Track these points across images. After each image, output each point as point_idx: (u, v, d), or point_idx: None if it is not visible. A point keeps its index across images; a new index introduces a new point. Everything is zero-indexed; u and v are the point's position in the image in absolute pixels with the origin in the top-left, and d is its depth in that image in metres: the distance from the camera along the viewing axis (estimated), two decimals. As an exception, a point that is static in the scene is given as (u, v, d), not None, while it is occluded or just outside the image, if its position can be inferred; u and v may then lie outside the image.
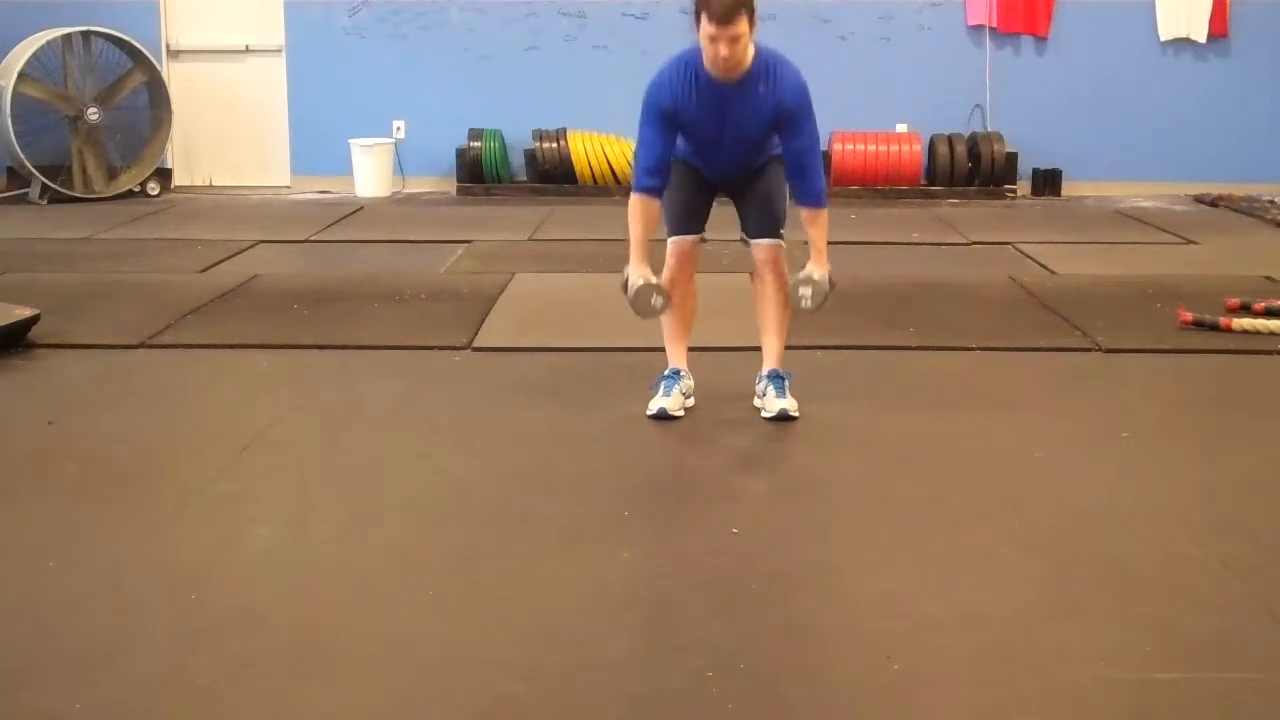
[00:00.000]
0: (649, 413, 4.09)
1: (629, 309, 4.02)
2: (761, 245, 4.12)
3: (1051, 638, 2.66)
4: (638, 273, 3.95)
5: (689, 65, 3.87)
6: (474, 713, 2.40)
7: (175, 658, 2.59)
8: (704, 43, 3.75)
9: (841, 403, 4.27)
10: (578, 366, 4.74)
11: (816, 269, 3.99)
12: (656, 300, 3.96)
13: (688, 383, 4.18)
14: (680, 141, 4.03)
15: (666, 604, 2.85)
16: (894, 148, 9.25)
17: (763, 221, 4.11)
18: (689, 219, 4.13)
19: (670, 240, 4.15)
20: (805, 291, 3.98)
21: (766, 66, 3.85)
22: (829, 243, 4.05)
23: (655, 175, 3.95)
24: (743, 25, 3.69)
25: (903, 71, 9.47)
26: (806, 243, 4.03)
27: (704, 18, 3.70)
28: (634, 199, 3.98)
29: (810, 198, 3.99)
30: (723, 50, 3.71)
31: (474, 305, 5.61)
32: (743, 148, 4.00)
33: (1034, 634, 2.69)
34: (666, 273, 4.17)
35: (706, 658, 2.56)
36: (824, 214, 4.02)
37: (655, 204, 3.99)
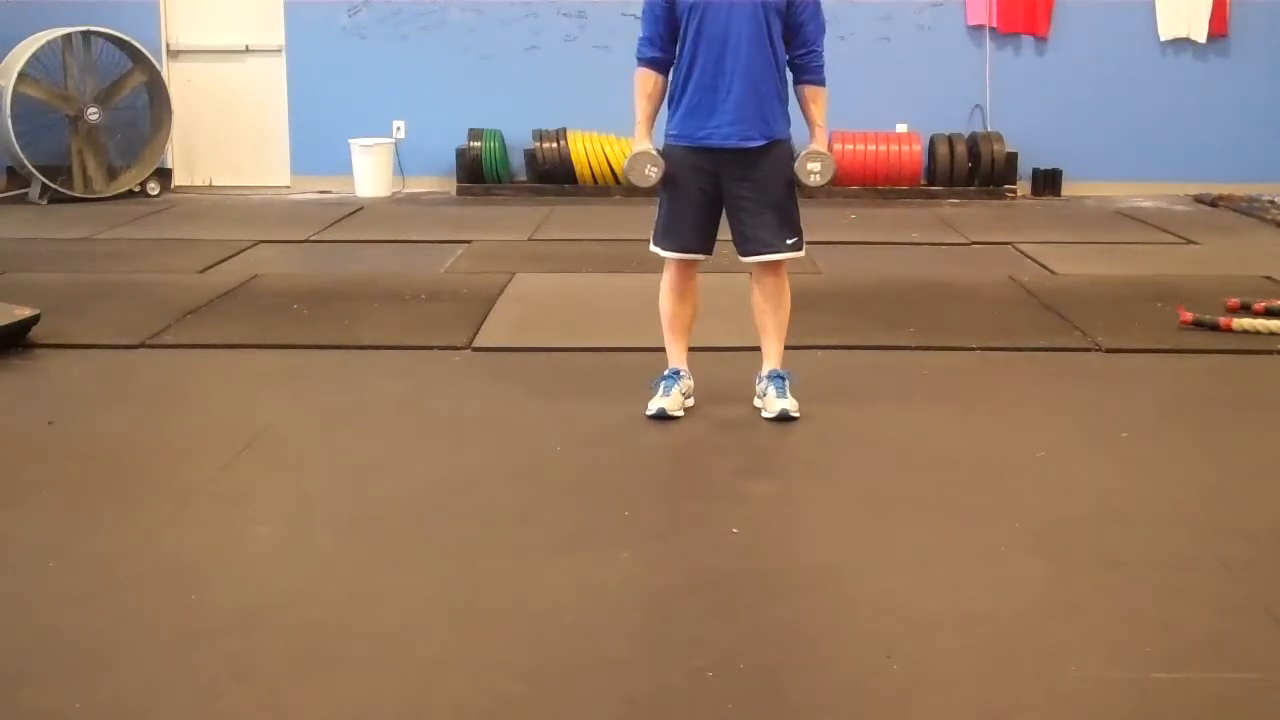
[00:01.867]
0: (648, 413, 4.08)
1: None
2: (762, 261, 4.08)
3: (1051, 638, 2.67)
4: (637, 145, 4.00)
5: None
6: (474, 713, 2.40)
7: (175, 658, 2.59)
8: None
9: (841, 403, 4.27)
10: (578, 366, 4.74)
11: (819, 145, 4.02)
12: (651, 170, 3.98)
13: (687, 383, 4.18)
14: (679, 104, 3.97)
15: (666, 604, 2.85)
16: (894, 148, 9.25)
17: (770, 226, 4.03)
18: (694, 239, 4.07)
19: (671, 255, 4.11)
20: (814, 166, 4.00)
21: None
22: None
23: (657, 46, 3.99)
24: None
25: (903, 71, 9.47)
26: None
27: None
28: (638, 72, 4.02)
29: (812, 73, 4.04)
30: None
31: (474, 305, 5.61)
32: (746, 32, 3.89)
33: (1034, 634, 2.69)
34: (667, 275, 4.17)
35: (706, 658, 2.56)
36: (824, 91, 4.07)
37: (658, 77, 4.02)
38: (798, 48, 4.02)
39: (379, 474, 3.67)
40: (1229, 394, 4.52)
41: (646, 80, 4.02)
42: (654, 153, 4.00)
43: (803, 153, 4.01)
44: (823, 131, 4.06)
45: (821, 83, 4.05)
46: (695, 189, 4.05)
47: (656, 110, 4.06)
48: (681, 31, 3.97)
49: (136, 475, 3.65)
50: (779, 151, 4.01)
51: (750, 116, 3.95)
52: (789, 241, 4.07)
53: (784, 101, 4.03)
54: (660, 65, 4.02)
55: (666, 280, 4.17)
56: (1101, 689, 2.46)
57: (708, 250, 4.13)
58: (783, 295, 4.15)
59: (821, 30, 4.04)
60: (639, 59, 4.03)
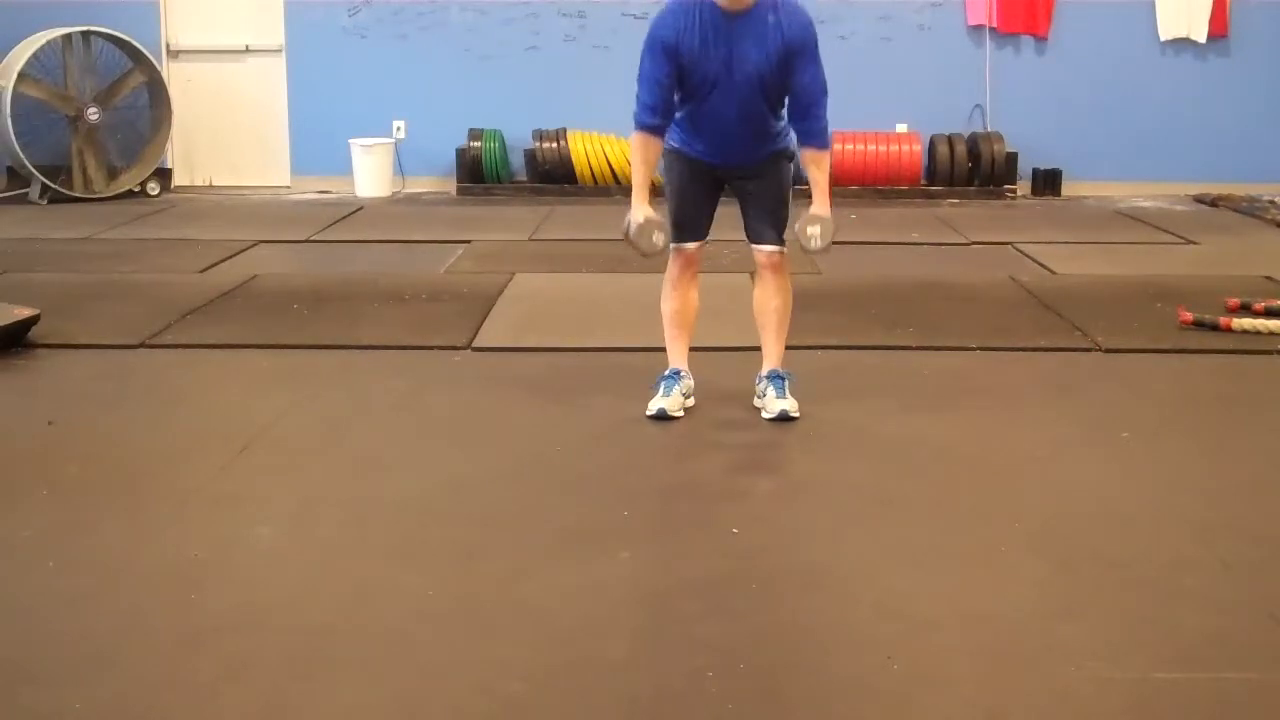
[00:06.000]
0: (649, 413, 4.09)
1: (631, 250, 3.97)
2: (764, 250, 4.11)
3: (1051, 638, 2.66)
4: (639, 211, 3.93)
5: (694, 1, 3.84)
6: (474, 713, 2.40)
7: (175, 658, 2.59)
8: None
9: (841, 403, 4.27)
10: (578, 366, 4.74)
11: (821, 209, 3.97)
12: (657, 237, 3.94)
13: (688, 383, 4.18)
14: (680, 127, 3.98)
15: (666, 604, 2.85)
16: (894, 148, 9.25)
17: (767, 226, 4.08)
18: (692, 225, 4.10)
19: (672, 246, 4.12)
20: (814, 230, 3.94)
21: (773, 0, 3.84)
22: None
23: (657, 112, 3.91)
24: None
25: (903, 71, 9.47)
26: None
27: None
28: (635, 136, 3.95)
29: (814, 138, 3.96)
30: None
31: (474, 305, 5.61)
32: (748, 104, 3.89)
33: (1034, 634, 2.69)
34: (668, 275, 4.17)
35: (706, 658, 2.56)
36: (828, 155, 4.01)
37: (657, 142, 3.95)
38: (800, 115, 3.94)
39: (379, 474, 3.67)
40: (1229, 394, 4.52)
41: (648, 146, 3.94)
42: (658, 218, 3.95)
43: (803, 216, 3.97)
44: (825, 196, 3.98)
45: (824, 147, 3.98)
46: (697, 186, 4.08)
47: (654, 171, 3.99)
48: (680, 93, 3.94)
49: (136, 475, 3.65)
50: (780, 158, 4.04)
51: (750, 150, 4.00)
52: (783, 238, 4.11)
53: (783, 126, 4.00)
54: (660, 131, 3.94)
55: (669, 277, 4.17)
56: (1101, 689, 2.46)
57: (706, 234, 4.15)
58: (784, 294, 4.15)
59: (823, 92, 3.91)
60: (639, 125, 3.92)
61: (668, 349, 4.23)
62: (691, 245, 4.12)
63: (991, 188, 9.25)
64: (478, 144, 9.31)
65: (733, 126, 3.95)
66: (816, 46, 3.88)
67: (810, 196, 4.00)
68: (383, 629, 2.71)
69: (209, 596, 2.87)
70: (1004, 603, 2.84)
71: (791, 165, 4.07)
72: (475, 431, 4.06)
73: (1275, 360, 4.84)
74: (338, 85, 9.56)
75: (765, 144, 4.01)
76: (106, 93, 9.03)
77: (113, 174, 9.18)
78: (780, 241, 4.11)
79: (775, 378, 4.14)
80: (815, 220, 3.95)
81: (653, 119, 3.90)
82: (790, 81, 3.89)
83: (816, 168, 3.98)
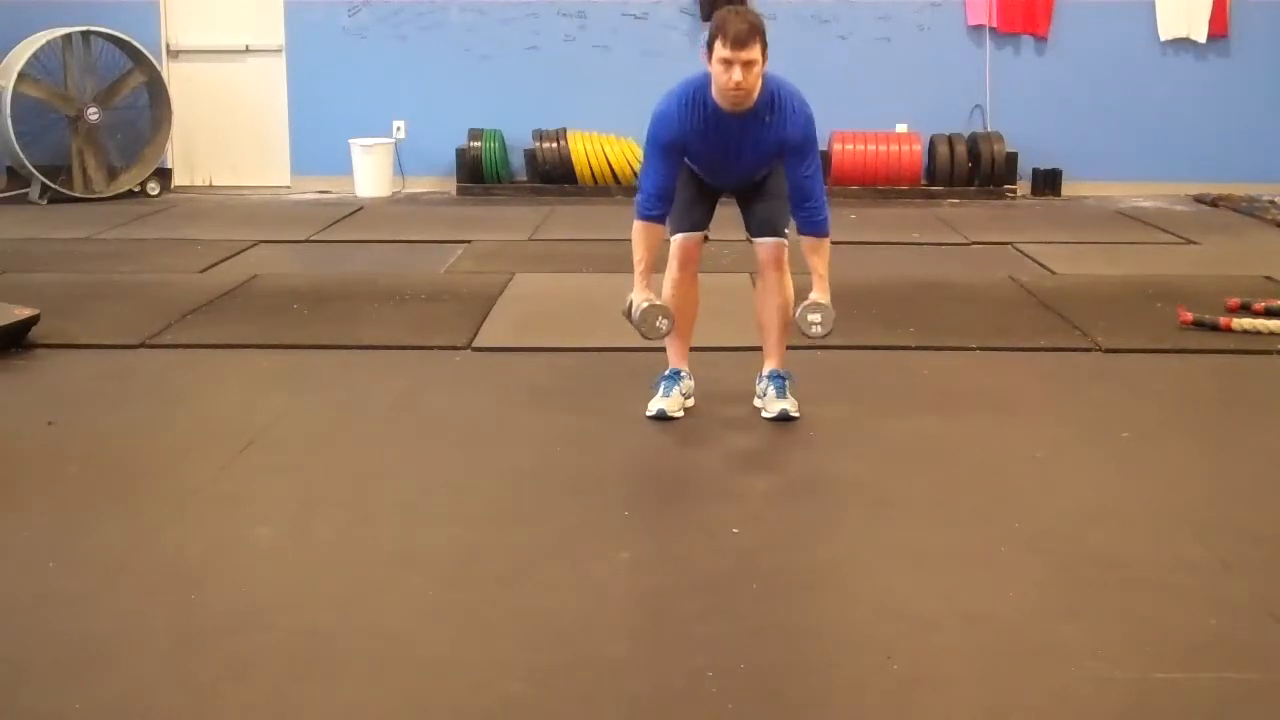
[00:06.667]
0: (648, 413, 4.09)
1: (634, 332, 3.99)
2: (765, 244, 4.11)
3: (1051, 638, 2.67)
4: (642, 296, 3.94)
5: (696, 94, 3.84)
6: (475, 713, 2.40)
7: (175, 658, 2.59)
8: (716, 69, 3.72)
9: (841, 403, 4.27)
10: (578, 366, 4.74)
11: (821, 296, 3.97)
12: (662, 322, 3.95)
13: (688, 383, 4.18)
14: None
15: (666, 604, 2.85)
16: (894, 148, 9.25)
17: (766, 220, 4.10)
18: (693, 216, 4.11)
19: (673, 238, 4.14)
20: (815, 318, 3.96)
21: (773, 97, 3.83)
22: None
23: (659, 203, 3.94)
24: (757, 51, 3.68)
25: (903, 71, 9.47)
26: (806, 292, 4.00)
27: (718, 43, 3.68)
28: (637, 225, 3.96)
29: (813, 227, 3.97)
30: (736, 76, 3.68)
31: (474, 305, 5.61)
32: (745, 170, 4.01)
33: (1034, 634, 2.69)
34: (669, 272, 4.17)
35: (706, 658, 2.56)
36: (826, 243, 4.00)
37: (658, 230, 3.98)
38: (799, 203, 3.96)
39: (379, 474, 3.67)
40: (1229, 394, 4.52)
41: (651, 233, 3.95)
42: (660, 303, 3.96)
43: (804, 304, 3.97)
44: (825, 282, 3.98)
45: (823, 235, 3.98)
46: (699, 186, 4.10)
47: (655, 258, 3.99)
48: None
49: (136, 475, 3.65)
50: (773, 167, 4.05)
51: (749, 179, 4.07)
52: (784, 231, 4.12)
53: None
54: (663, 220, 3.98)
55: (670, 275, 4.16)
56: (1101, 689, 2.46)
57: (707, 225, 4.16)
58: (785, 293, 4.14)
59: (813, 175, 3.92)
60: (641, 215, 3.95)
61: (668, 349, 4.23)
62: (693, 236, 4.12)
63: (991, 188, 9.26)
64: (478, 144, 9.31)
65: (731, 179, 4.07)
66: (814, 138, 3.91)
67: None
68: (383, 629, 2.71)
69: (209, 596, 2.87)
70: (1004, 603, 2.84)
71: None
72: (475, 431, 4.06)
73: (1275, 360, 4.84)
74: (338, 85, 9.56)
75: (763, 171, 4.05)
76: (106, 93, 9.03)
77: (113, 174, 9.18)
78: (781, 234, 4.11)
79: (775, 378, 4.14)
80: (816, 308, 3.96)
81: (655, 209, 3.94)
82: (787, 175, 3.95)
83: (816, 255, 3.99)
